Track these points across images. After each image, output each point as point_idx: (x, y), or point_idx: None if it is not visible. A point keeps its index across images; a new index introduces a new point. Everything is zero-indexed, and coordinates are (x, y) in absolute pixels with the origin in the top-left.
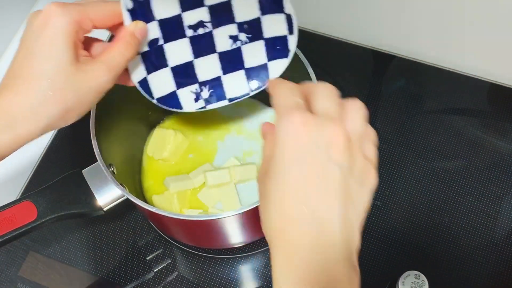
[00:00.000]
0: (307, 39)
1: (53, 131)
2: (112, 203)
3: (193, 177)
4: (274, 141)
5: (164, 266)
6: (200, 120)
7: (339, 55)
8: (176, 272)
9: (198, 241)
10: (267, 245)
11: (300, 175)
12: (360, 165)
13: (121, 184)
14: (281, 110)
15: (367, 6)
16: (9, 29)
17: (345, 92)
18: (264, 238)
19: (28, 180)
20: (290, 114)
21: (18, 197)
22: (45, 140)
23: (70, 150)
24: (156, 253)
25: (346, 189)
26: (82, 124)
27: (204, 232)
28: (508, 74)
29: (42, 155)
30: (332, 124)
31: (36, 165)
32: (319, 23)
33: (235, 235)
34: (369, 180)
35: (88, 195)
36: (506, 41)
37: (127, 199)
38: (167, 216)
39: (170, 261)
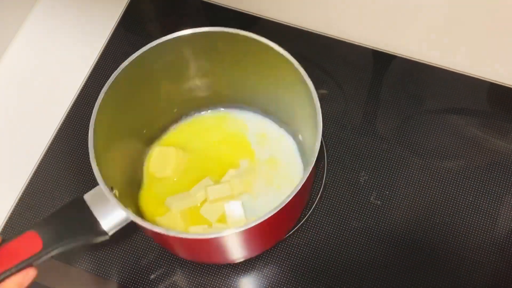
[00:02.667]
0: (307, 39)
1: (57, 124)
2: (117, 227)
3: (194, 193)
4: None
5: (168, 284)
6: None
7: (339, 55)
8: (183, 272)
9: (207, 257)
10: (271, 257)
11: None
12: None
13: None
14: None
15: (367, 5)
16: (9, 29)
17: (345, 92)
18: (267, 251)
19: (32, 174)
20: None
21: (22, 191)
22: (50, 131)
23: (76, 142)
24: (160, 271)
25: None
26: (89, 118)
27: (212, 249)
28: (508, 74)
29: (45, 151)
30: None
31: (40, 160)
32: (319, 22)
33: (244, 250)
34: None
35: (92, 221)
36: (506, 40)
37: (131, 222)
38: (174, 237)
39: (175, 278)
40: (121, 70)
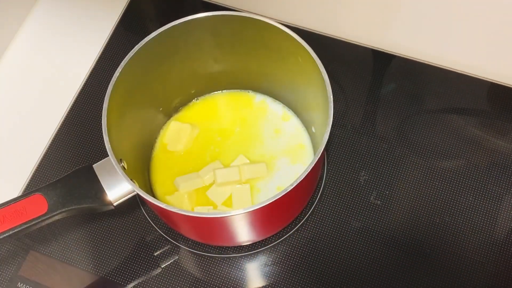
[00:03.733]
0: (307, 39)
1: (57, 123)
2: (122, 198)
3: (202, 175)
4: None
5: (171, 263)
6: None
7: (339, 55)
8: (183, 269)
9: (208, 238)
10: (273, 242)
11: None
12: None
13: (131, 180)
14: None
15: (367, 5)
16: (9, 29)
17: (346, 92)
18: (271, 236)
19: (32, 174)
20: None
21: (22, 191)
22: (50, 131)
23: (75, 143)
24: (163, 250)
25: None
26: (89, 116)
27: (214, 229)
28: (508, 74)
29: (46, 148)
30: None
31: (40, 159)
32: (319, 22)
33: (244, 233)
34: None
35: (98, 190)
36: (506, 40)
37: (136, 195)
38: (177, 213)
39: (177, 257)
40: (142, 46)
